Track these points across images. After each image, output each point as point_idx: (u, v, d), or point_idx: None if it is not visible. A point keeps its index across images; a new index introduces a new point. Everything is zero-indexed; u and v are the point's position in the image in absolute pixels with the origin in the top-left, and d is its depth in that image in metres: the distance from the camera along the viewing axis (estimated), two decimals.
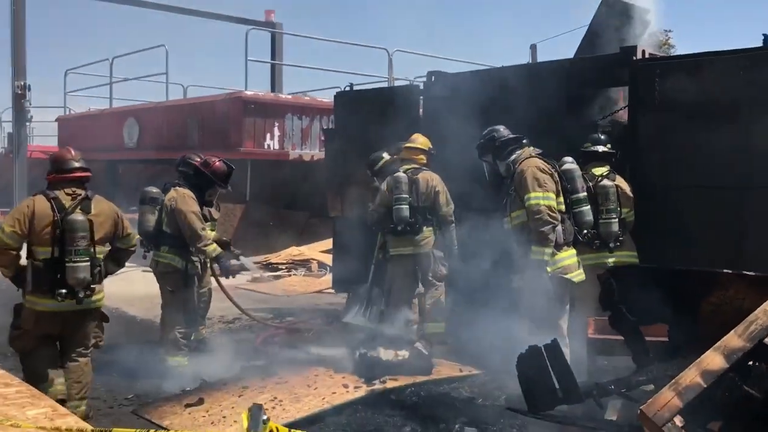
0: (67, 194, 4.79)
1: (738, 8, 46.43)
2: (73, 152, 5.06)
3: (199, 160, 6.45)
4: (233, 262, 6.54)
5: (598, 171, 5.78)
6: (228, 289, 7.81)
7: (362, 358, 5.91)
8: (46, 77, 38.21)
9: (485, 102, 7.07)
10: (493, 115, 6.97)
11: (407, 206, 6.42)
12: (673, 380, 2.92)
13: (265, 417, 2.51)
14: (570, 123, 6.57)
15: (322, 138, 13.64)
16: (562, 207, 5.17)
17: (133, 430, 3.71)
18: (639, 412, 2.93)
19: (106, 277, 4.96)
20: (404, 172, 6.57)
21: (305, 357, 6.39)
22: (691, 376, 2.91)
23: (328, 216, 8.64)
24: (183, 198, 6.10)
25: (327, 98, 14.15)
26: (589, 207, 5.34)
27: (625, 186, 5.83)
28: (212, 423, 4.93)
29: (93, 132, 16.81)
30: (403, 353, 5.94)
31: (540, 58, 9.68)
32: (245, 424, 2.44)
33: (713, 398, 2.91)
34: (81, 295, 4.63)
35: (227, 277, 6.71)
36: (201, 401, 5.28)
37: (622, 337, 5.62)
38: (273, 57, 17.83)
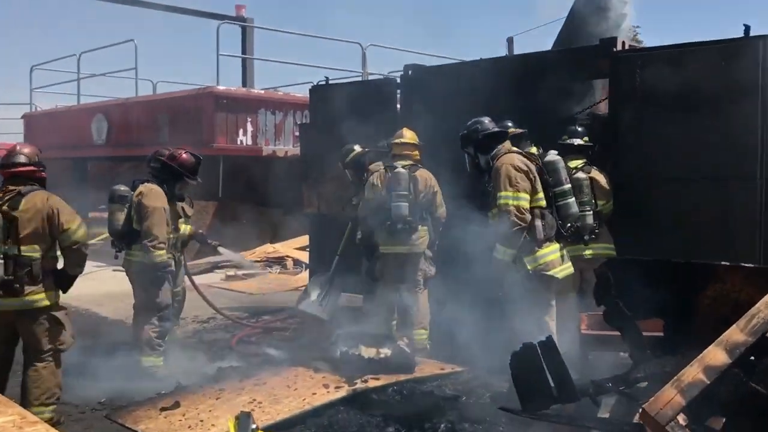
0: (3, 190, 4.71)
1: (704, 5, 47.02)
2: (20, 147, 4.92)
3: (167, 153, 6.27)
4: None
5: (573, 164, 5.75)
6: (202, 288, 7.65)
7: (343, 356, 5.77)
8: (11, 74, 37.39)
9: (463, 95, 6.98)
10: (471, 108, 6.91)
11: (407, 204, 6.29)
12: (675, 377, 2.83)
13: (254, 426, 2.34)
14: (548, 116, 6.50)
15: (296, 133, 13.51)
16: (543, 203, 5.08)
17: None
18: (641, 410, 2.84)
19: (63, 276, 4.99)
20: (403, 168, 6.42)
21: (284, 357, 6.25)
22: (694, 373, 2.82)
23: (303, 212, 8.48)
24: (150, 193, 5.92)
25: (301, 93, 13.99)
26: (573, 200, 5.24)
27: (601, 178, 5.79)
28: (189, 427, 4.76)
29: (60, 129, 16.43)
30: (385, 351, 5.82)
31: (517, 52, 9.58)
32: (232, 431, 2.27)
33: (717, 395, 2.83)
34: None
35: (206, 243, 6.71)
36: (177, 404, 5.10)
37: (616, 333, 5.55)
38: (244, 52, 17.56)
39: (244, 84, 16.59)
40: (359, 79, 14.11)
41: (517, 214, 4.90)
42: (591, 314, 5.82)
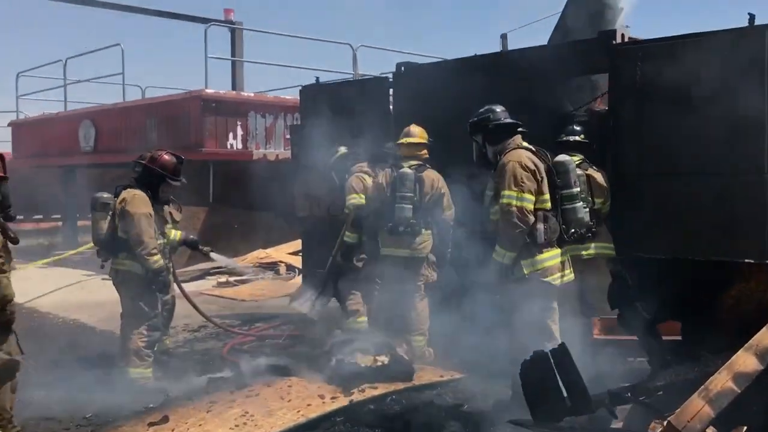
0: None
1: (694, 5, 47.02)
2: None
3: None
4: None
5: None
6: (192, 295, 7.42)
7: (339, 365, 5.56)
8: None
9: (457, 93, 6.78)
10: (466, 106, 6.71)
11: (411, 206, 6.08)
12: (703, 386, 2.62)
13: None
14: (545, 112, 6.31)
15: (287, 136, 13.28)
16: (547, 205, 4.81)
17: None
18: (665, 423, 2.63)
19: None
20: (409, 168, 6.20)
21: (277, 366, 5.99)
22: (723, 381, 2.61)
23: (294, 216, 8.25)
24: (133, 199, 5.70)
25: (291, 96, 13.77)
26: (581, 204, 4.95)
27: (598, 176, 5.64)
28: None
29: (48, 136, 16.18)
30: (383, 359, 5.61)
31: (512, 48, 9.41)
32: None
33: (748, 404, 2.62)
34: None
35: (198, 249, 6.51)
36: (166, 419, 4.86)
37: (631, 337, 5.30)
38: (233, 55, 17.34)
39: (233, 87, 16.37)
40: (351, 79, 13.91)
41: (520, 215, 4.65)
42: (603, 318, 5.55)
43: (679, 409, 2.63)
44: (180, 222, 6.86)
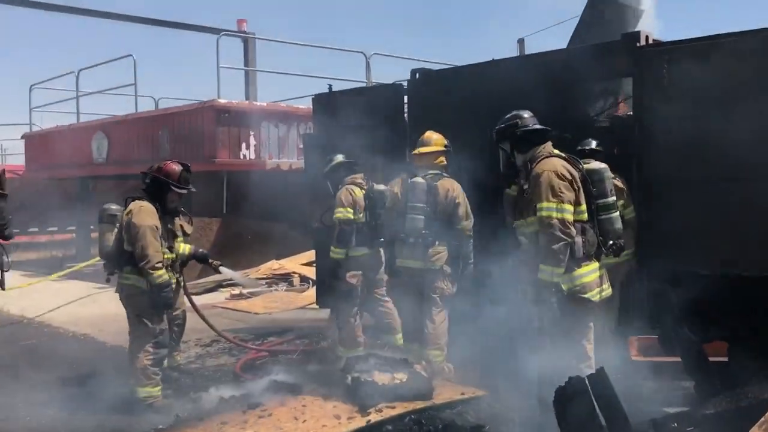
0: None
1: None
2: None
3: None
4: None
5: None
6: (205, 308, 7.25)
7: (355, 383, 5.32)
8: (10, 94, 37.29)
9: (475, 99, 6.59)
10: (484, 112, 6.50)
11: (422, 216, 5.85)
12: (763, 419, 2.38)
13: None
14: (566, 118, 6.08)
15: (301, 146, 13.11)
16: (584, 216, 4.49)
17: None
18: None
19: None
20: (423, 177, 5.99)
21: (291, 384, 5.77)
22: None
23: (308, 227, 8.07)
24: (139, 211, 5.51)
25: (304, 105, 13.61)
26: (617, 214, 4.64)
27: (619, 182, 5.46)
28: None
29: (61, 148, 16.10)
30: (401, 376, 5.37)
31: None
32: None
33: None
34: None
35: (207, 263, 6.32)
36: None
37: (675, 359, 4.95)
38: (246, 65, 17.25)
39: (246, 97, 16.26)
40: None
41: (562, 227, 4.33)
42: (641, 338, 5.21)
43: None
44: (192, 234, 6.70)
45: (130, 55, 14.28)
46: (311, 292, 10.20)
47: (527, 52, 9.88)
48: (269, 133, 12.87)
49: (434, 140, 6.16)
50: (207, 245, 12.51)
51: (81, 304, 10.33)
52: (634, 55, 5.78)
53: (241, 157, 12.52)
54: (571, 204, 4.36)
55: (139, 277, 5.51)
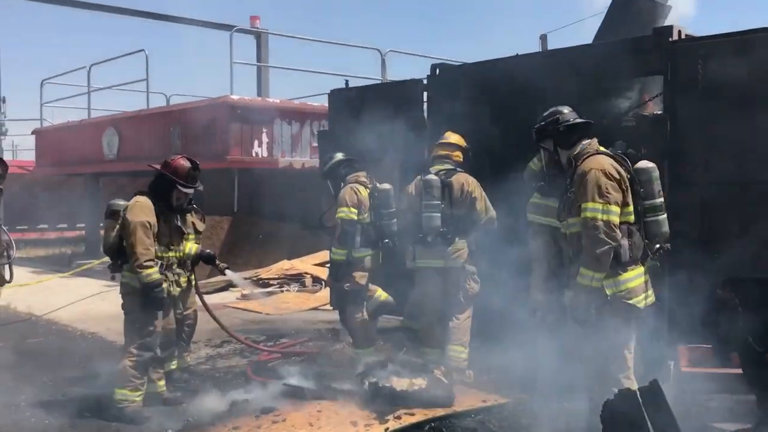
0: None
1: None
2: None
3: None
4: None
5: None
6: (216, 308, 7.05)
7: (373, 388, 5.12)
8: (22, 88, 37.25)
9: (498, 94, 6.38)
10: (507, 108, 6.30)
11: (439, 214, 5.66)
12: None
13: None
14: (593, 116, 5.86)
15: (314, 144, 12.93)
16: (631, 218, 4.21)
17: None
18: None
19: None
20: (436, 173, 5.79)
21: (305, 388, 5.55)
22: None
23: (321, 227, 7.86)
24: (134, 206, 5.24)
25: (318, 103, 13.45)
26: (665, 216, 4.34)
27: None
28: None
29: (71, 144, 15.99)
30: (420, 382, 5.16)
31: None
32: None
33: None
34: None
35: (214, 264, 6.04)
36: None
37: (731, 371, 4.65)
38: (258, 62, 17.08)
39: (258, 94, 16.09)
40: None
41: (607, 230, 4.06)
42: (691, 347, 4.94)
43: None
44: (203, 232, 6.51)
45: (143, 50, 14.13)
46: (324, 293, 10.01)
47: (549, 48, 9.65)
48: (282, 130, 12.68)
49: (454, 137, 6.04)
50: (217, 244, 12.37)
51: (90, 302, 10.15)
52: (667, 50, 5.57)
53: (254, 154, 12.34)
54: (618, 205, 4.10)
55: (133, 275, 5.23)
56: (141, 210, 5.22)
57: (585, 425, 4.15)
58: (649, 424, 2.71)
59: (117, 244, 5.39)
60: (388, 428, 4.72)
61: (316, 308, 9.68)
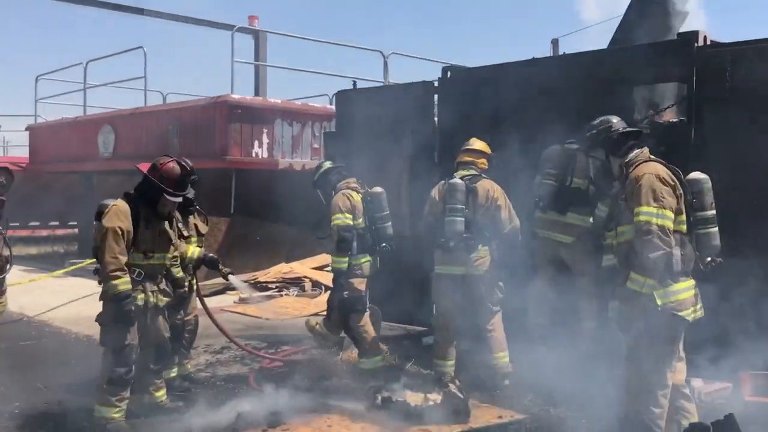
0: None
1: None
2: None
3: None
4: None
5: None
6: (213, 312, 6.79)
7: (385, 403, 4.91)
8: (15, 84, 36.81)
9: (512, 98, 6.21)
10: (521, 112, 6.14)
11: (462, 219, 5.49)
12: None
13: None
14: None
15: (314, 146, 12.72)
16: (684, 227, 4.08)
17: None
18: None
19: None
20: (461, 178, 5.62)
21: (313, 399, 5.33)
22: None
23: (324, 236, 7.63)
24: (109, 211, 4.83)
25: (319, 104, 13.23)
26: (716, 230, 4.19)
27: None
28: None
29: (66, 141, 15.72)
30: (435, 396, 4.96)
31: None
32: None
33: None
34: None
35: (217, 269, 5.83)
36: None
37: None
38: (257, 61, 16.83)
39: (256, 94, 15.84)
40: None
41: (661, 234, 3.91)
42: (756, 373, 4.68)
43: None
44: (204, 235, 6.30)
45: (141, 47, 13.86)
46: (324, 298, 9.76)
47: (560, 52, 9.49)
48: (283, 131, 12.45)
49: (479, 144, 5.89)
50: (215, 245, 12.10)
51: (83, 302, 9.86)
52: (692, 56, 5.39)
53: (253, 155, 12.09)
54: (672, 211, 3.97)
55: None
56: (115, 215, 4.80)
57: None
58: None
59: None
60: None
61: (316, 314, 9.43)
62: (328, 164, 6.37)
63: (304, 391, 5.51)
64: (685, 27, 7.42)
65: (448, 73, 7.13)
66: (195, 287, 6.15)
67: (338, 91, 8.07)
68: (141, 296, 4.90)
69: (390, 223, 6.15)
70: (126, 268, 4.77)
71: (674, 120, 6.10)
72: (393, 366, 6.25)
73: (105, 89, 16.48)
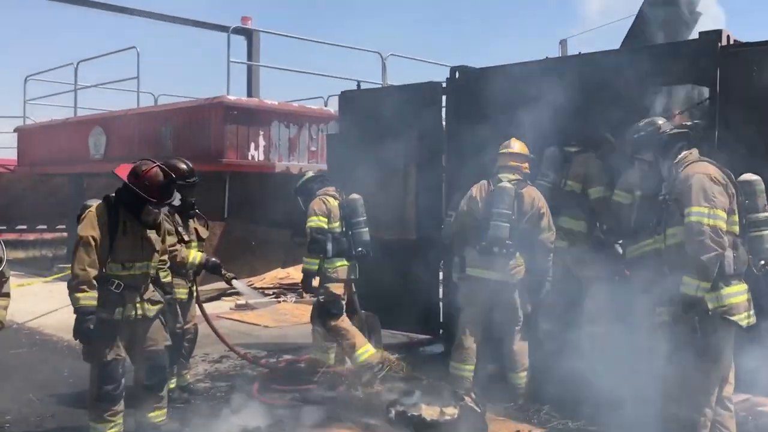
0: None
1: None
2: None
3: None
4: None
5: None
6: (211, 319, 6.54)
7: (400, 418, 4.66)
8: (4, 84, 36.37)
9: (523, 99, 6.00)
10: (532, 113, 5.93)
11: (508, 225, 5.31)
12: None
13: None
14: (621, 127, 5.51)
15: (312, 148, 12.47)
16: (736, 228, 3.90)
17: None
18: None
19: None
20: (509, 182, 5.44)
21: (320, 413, 5.09)
22: None
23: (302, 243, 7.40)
24: (85, 218, 4.54)
25: (316, 106, 12.98)
26: None
27: None
28: None
29: (56, 143, 15.37)
30: (451, 411, 4.72)
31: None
32: None
33: None
34: None
35: (220, 274, 5.73)
36: None
37: None
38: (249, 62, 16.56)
39: (249, 95, 15.55)
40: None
41: (713, 235, 3.72)
42: None
43: None
44: (205, 239, 6.05)
45: (134, 47, 13.55)
46: None
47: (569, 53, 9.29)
48: (279, 133, 12.18)
49: (518, 145, 5.71)
50: (209, 250, 11.80)
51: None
52: (715, 56, 5.21)
53: (249, 157, 11.80)
54: (724, 211, 3.77)
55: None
56: (88, 222, 4.48)
57: None
58: None
59: None
60: None
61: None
62: (310, 173, 6.50)
63: (313, 404, 5.27)
64: (699, 27, 7.27)
65: (457, 74, 6.91)
66: (195, 294, 5.92)
67: (342, 92, 7.84)
68: (119, 310, 4.52)
69: (366, 229, 6.19)
70: (93, 283, 4.38)
71: (687, 123, 5.92)
72: (400, 374, 6.04)
73: (96, 90, 16.16)
